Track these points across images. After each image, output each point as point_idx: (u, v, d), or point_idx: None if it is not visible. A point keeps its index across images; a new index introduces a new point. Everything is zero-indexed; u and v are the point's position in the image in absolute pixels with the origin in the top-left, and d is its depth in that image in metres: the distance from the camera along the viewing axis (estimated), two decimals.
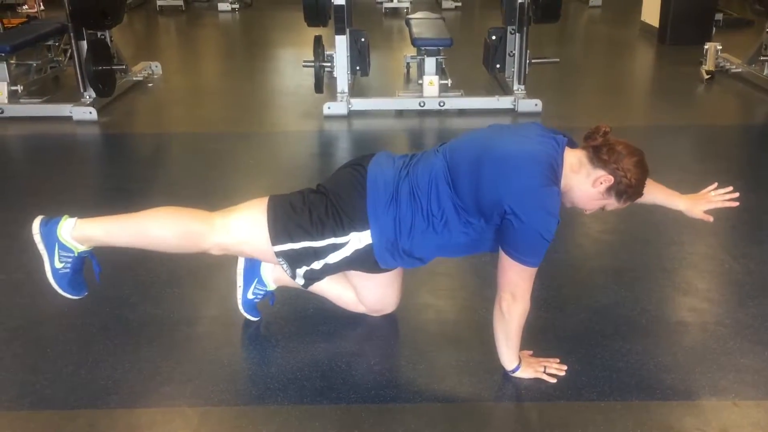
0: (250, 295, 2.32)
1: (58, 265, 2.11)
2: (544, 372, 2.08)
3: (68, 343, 2.28)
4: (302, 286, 2.15)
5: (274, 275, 2.31)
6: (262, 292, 2.33)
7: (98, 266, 2.20)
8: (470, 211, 1.94)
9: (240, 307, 2.34)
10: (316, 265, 2.05)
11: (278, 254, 2.04)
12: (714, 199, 2.22)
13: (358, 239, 2.00)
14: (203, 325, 2.39)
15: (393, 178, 2.03)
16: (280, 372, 2.14)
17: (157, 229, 2.10)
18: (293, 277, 2.10)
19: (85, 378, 2.11)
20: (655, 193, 2.21)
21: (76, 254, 2.13)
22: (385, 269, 2.14)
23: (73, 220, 2.11)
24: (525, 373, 2.08)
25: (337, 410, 1.98)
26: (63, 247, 2.10)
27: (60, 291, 2.16)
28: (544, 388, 2.05)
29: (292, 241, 2.02)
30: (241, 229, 2.07)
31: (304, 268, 2.06)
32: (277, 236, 2.02)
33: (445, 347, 2.26)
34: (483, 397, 2.04)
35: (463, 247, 2.04)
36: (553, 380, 2.07)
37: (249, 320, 2.36)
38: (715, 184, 2.25)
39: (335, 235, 2.00)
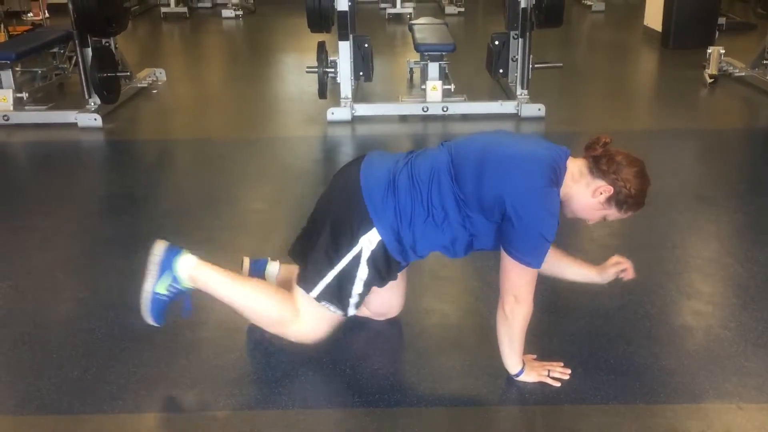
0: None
1: (160, 290, 2.15)
2: (548, 376, 2.08)
3: (74, 349, 2.29)
4: (352, 314, 2.16)
5: (279, 279, 2.32)
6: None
7: (189, 305, 2.23)
8: (471, 205, 1.96)
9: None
10: (356, 288, 2.07)
11: (319, 298, 2.07)
12: (616, 268, 2.27)
13: (369, 240, 2.01)
14: (208, 330, 2.39)
15: (388, 170, 2.05)
16: (284, 376, 2.14)
17: (262, 308, 2.18)
18: (347, 315, 2.12)
19: (91, 383, 2.12)
20: (573, 268, 2.28)
21: (182, 288, 2.17)
22: (402, 267, 2.15)
23: (194, 258, 2.17)
24: (529, 376, 2.08)
25: (342, 414, 1.99)
26: (176, 279, 2.15)
27: (146, 313, 2.16)
28: (548, 392, 2.05)
29: (320, 277, 2.05)
30: (302, 308, 2.13)
31: (350, 301, 2.09)
32: (306, 284, 2.08)
33: (449, 351, 2.26)
34: (487, 401, 2.05)
35: (463, 244, 2.05)
36: (557, 384, 2.07)
37: (254, 325, 2.37)
38: (616, 256, 2.30)
39: (348, 248, 2.02)
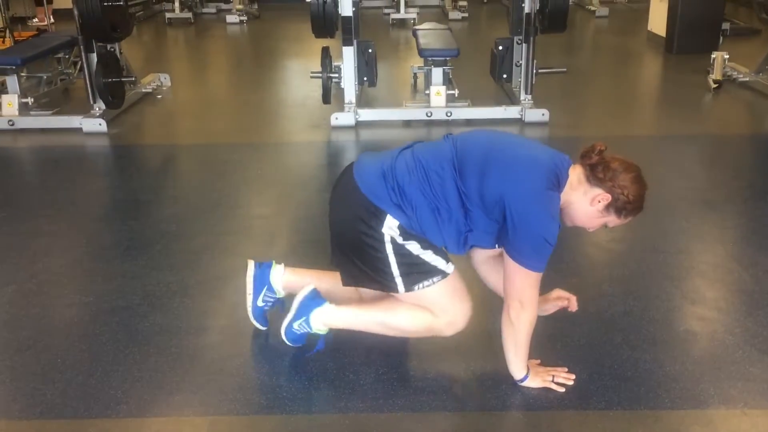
0: (260, 303, 2.33)
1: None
2: (553, 381, 2.08)
3: (78, 353, 2.30)
4: (453, 269, 2.10)
5: (284, 282, 2.32)
6: (272, 300, 2.34)
7: (321, 345, 2.25)
8: (472, 200, 1.96)
9: (250, 314, 2.35)
10: (425, 256, 2.03)
11: (410, 288, 2.05)
12: (557, 302, 2.25)
13: (389, 227, 1.99)
14: (212, 334, 2.40)
15: (383, 161, 2.06)
16: (288, 381, 2.14)
17: (402, 325, 2.16)
18: (447, 273, 2.06)
19: (95, 387, 2.12)
20: None
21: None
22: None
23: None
24: (533, 382, 2.08)
25: (346, 419, 1.99)
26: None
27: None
28: (553, 398, 2.05)
29: (391, 276, 2.04)
30: (427, 304, 2.11)
31: (435, 265, 2.04)
32: (393, 290, 2.07)
33: (453, 356, 2.26)
34: (491, 407, 2.04)
35: (462, 235, 2.02)
36: (562, 389, 2.07)
37: (258, 329, 2.37)
38: (557, 290, 2.27)
39: (381, 243, 2.00)
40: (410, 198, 1.98)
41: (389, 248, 2.01)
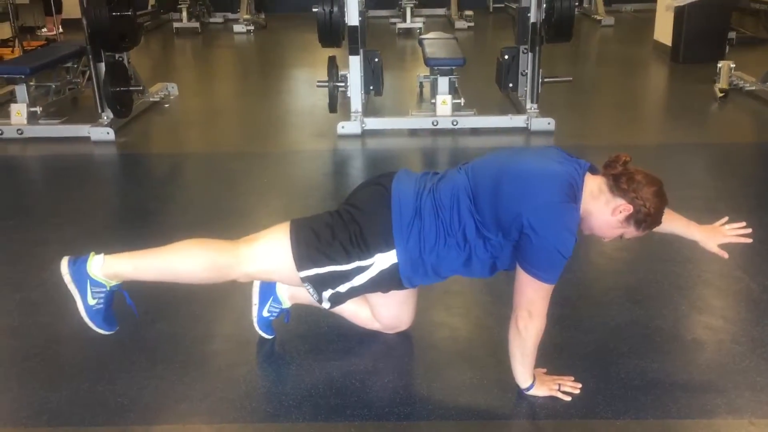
0: (265, 313, 2.34)
1: (91, 302, 2.12)
2: (559, 390, 2.08)
3: (85, 361, 2.30)
4: (327, 308, 2.16)
5: (290, 293, 2.33)
6: (277, 310, 2.35)
7: (131, 300, 2.21)
8: (489, 227, 1.96)
9: (255, 324, 2.35)
10: (342, 288, 2.05)
11: (304, 279, 2.05)
12: (728, 233, 2.24)
13: (383, 260, 2.00)
14: (218, 342, 2.40)
15: (416, 194, 2.05)
16: (294, 389, 2.15)
17: (185, 264, 2.13)
18: (319, 301, 2.09)
19: (102, 395, 2.13)
20: (673, 223, 2.23)
21: (108, 289, 2.13)
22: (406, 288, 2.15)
23: (101, 256, 2.12)
24: (539, 391, 2.07)
25: (352, 428, 1.99)
26: (95, 283, 2.11)
27: (95, 328, 2.15)
28: (559, 406, 2.04)
29: (317, 266, 2.03)
30: (266, 257, 2.08)
31: (330, 292, 2.07)
32: (301, 262, 2.03)
33: (459, 365, 2.26)
34: (497, 415, 2.04)
35: (487, 266, 2.05)
36: (568, 398, 2.06)
37: (264, 338, 2.38)
38: (726, 218, 2.27)
39: (360, 259, 2.01)
40: (432, 241, 1.99)
41: (352, 266, 2.00)
